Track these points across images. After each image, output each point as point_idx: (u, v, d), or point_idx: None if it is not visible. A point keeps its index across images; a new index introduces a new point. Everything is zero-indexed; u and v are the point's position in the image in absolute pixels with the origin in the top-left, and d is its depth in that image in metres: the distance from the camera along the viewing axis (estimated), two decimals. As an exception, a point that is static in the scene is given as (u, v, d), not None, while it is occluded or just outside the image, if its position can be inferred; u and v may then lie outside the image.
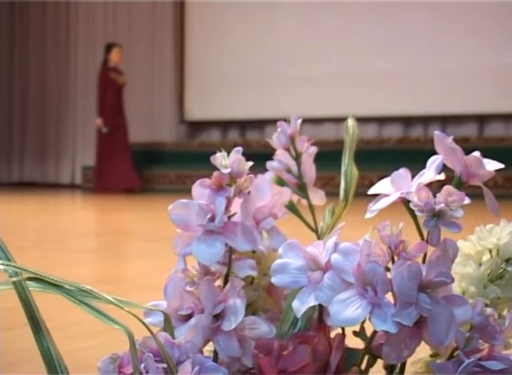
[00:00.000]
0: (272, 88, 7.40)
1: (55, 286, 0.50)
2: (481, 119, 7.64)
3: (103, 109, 8.01)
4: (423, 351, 0.63)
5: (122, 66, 9.48)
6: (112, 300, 0.51)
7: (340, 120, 6.81)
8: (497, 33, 7.41)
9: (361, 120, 7.62)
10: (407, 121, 7.96)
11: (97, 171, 8.04)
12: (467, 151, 0.61)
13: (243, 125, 8.83)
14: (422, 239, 0.58)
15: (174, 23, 9.30)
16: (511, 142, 7.01)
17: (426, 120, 7.84)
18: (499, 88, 7.35)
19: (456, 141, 0.61)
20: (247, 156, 0.61)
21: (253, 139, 8.33)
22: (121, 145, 7.99)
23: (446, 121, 7.73)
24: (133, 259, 2.58)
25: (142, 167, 8.46)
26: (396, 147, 7.49)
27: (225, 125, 8.95)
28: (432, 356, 0.66)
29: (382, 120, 8.00)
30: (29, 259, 2.47)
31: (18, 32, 10.38)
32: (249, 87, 8.18)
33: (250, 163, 0.63)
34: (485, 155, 0.61)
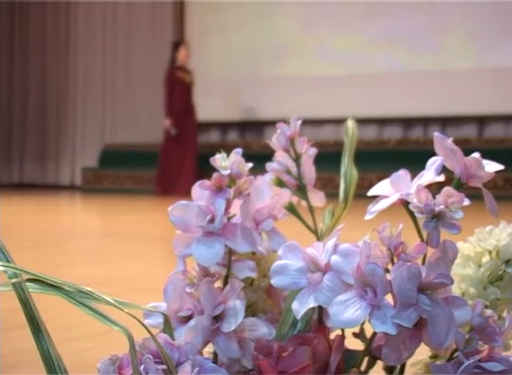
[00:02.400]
0: (272, 89, 7.39)
1: (55, 287, 0.50)
2: (481, 121, 7.64)
3: (171, 110, 7.69)
4: (423, 352, 0.63)
5: (121, 65, 9.50)
6: (112, 301, 0.51)
7: (340, 122, 6.81)
8: (497, 35, 7.41)
9: (361, 121, 7.62)
10: (407, 122, 7.96)
11: (162, 174, 7.71)
12: (467, 153, 0.61)
13: (243, 126, 8.83)
14: (422, 240, 0.58)
15: (173, 24, 9.29)
16: (511, 143, 7.01)
17: (426, 121, 7.84)
18: (499, 90, 7.35)
19: (455, 142, 0.61)
20: (247, 157, 0.61)
21: (252, 140, 8.33)
22: (190, 147, 7.68)
23: (445, 122, 7.73)
24: (133, 261, 2.58)
25: (142, 168, 8.46)
26: (395, 148, 7.49)
27: (224, 126, 8.95)
28: (431, 357, 0.66)
29: (382, 121, 8.00)
30: (29, 261, 2.47)
31: (18, 32, 10.39)
32: (248, 88, 8.18)
33: (250, 165, 0.63)
34: (485, 156, 0.61)
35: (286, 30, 8.27)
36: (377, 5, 7.87)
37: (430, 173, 0.59)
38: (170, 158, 7.60)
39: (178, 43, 7.88)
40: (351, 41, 8.04)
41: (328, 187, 6.78)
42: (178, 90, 7.68)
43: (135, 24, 9.54)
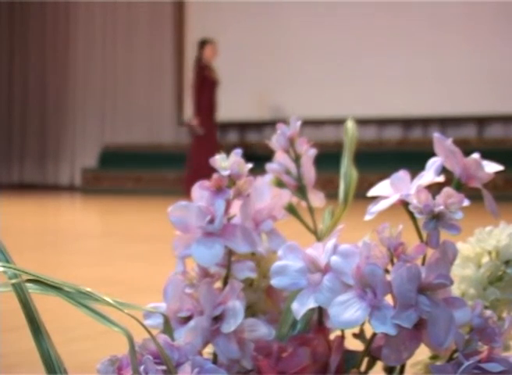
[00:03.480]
0: (272, 89, 7.40)
1: (55, 288, 0.50)
2: (481, 121, 7.64)
3: (200, 109, 7.46)
4: (422, 353, 0.63)
5: (121, 66, 9.50)
6: (111, 302, 0.51)
7: (340, 122, 6.82)
8: (496, 36, 7.42)
9: (361, 122, 7.64)
10: (407, 123, 7.96)
11: (193, 174, 7.29)
12: (467, 153, 0.61)
13: (243, 126, 8.83)
14: (422, 241, 0.58)
15: (173, 24, 9.30)
16: (510, 144, 7.01)
17: (426, 122, 7.84)
18: (498, 90, 7.35)
19: (455, 142, 0.61)
20: (247, 158, 0.61)
21: (252, 141, 8.33)
22: (217, 145, 7.36)
23: (445, 123, 7.73)
24: (133, 261, 2.58)
25: (141, 169, 8.46)
26: (395, 149, 7.49)
27: (224, 126, 8.95)
28: (431, 358, 0.66)
29: (382, 122, 8.00)
30: (28, 261, 2.47)
31: (18, 32, 10.39)
32: (248, 88, 8.19)
33: (250, 165, 0.63)
34: (485, 156, 0.61)
35: (286, 30, 8.27)
36: (376, 6, 7.87)
37: (430, 174, 0.59)
38: (200, 158, 7.16)
39: (204, 41, 7.65)
40: (351, 42, 8.05)
41: (329, 187, 6.79)
42: (206, 88, 7.47)
43: (135, 24, 9.54)
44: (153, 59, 9.40)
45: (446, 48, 7.60)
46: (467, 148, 0.63)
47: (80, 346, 1.25)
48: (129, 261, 2.57)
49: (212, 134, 7.50)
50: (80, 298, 0.51)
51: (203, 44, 7.66)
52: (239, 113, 8.55)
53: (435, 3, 7.63)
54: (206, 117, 7.47)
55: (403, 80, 7.81)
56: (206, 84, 7.48)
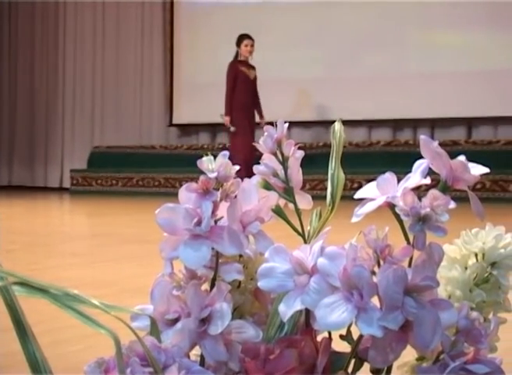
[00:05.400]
0: (261, 92, 7.38)
1: (41, 290, 0.50)
2: (470, 123, 7.66)
3: (231, 106, 7.22)
4: (409, 354, 0.64)
5: (110, 68, 9.47)
6: (98, 304, 0.51)
7: (329, 123, 6.83)
8: (486, 39, 7.44)
9: (351, 123, 7.65)
10: (397, 124, 7.98)
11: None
12: (456, 154, 0.61)
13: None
14: (408, 243, 0.58)
15: (163, 26, 9.29)
16: (499, 145, 7.04)
17: (415, 123, 7.86)
18: (488, 92, 7.38)
19: (445, 144, 0.61)
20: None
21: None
22: (251, 145, 7.28)
23: (435, 124, 7.75)
24: (122, 262, 2.58)
25: (130, 170, 8.45)
26: (385, 150, 7.50)
27: (214, 128, 8.95)
28: (418, 360, 0.66)
29: (372, 123, 8.01)
30: (17, 263, 2.47)
31: (6, 35, 10.36)
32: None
33: (237, 167, 0.63)
34: (474, 158, 0.61)
35: (276, 33, 8.27)
36: (367, 8, 7.88)
37: (416, 176, 0.60)
38: (236, 157, 6.55)
39: (241, 37, 7.40)
40: (340, 44, 8.05)
41: (319, 188, 6.80)
42: (240, 85, 7.23)
43: (124, 27, 9.53)
44: (142, 61, 9.39)
45: (436, 50, 7.62)
46: (456, 150, 0.63)
47: (67, 348, 1.25)
48: (118, 262, 2.57)
49: (246, 133, 7.12)
50: (66, 300, 0.51)
51: (240, 39, 7.38)
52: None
53: (425, 5, 7.65)
54: (240, 115, 7.18)
55: (393, 82, 7.82)
56: (240, 81, 7.22)
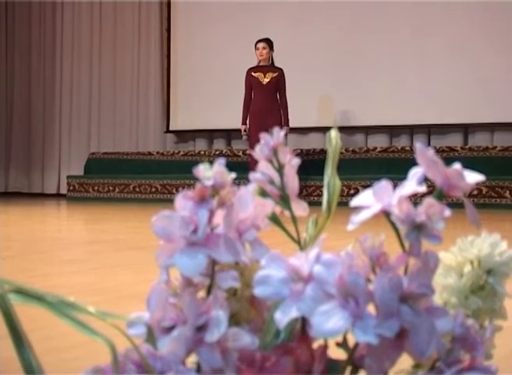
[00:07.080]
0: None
1: (37, 298, 0.50)
2: (466, 129, 7.68)
3: (246, 113, 7.15)
4: (405, 362, 0.64)
5: (107, 74, 9.46)
6: (94, 312, 0.51)
7: (326, 130, 6.84)
8: (482, 46, 7.46)
9: (348, 130, 7.66)
10: (393, 131, 7.99)
11: None
12: (452, 161, 0.61)
13: (229, 134, 8.83)
14: (404, 251, 0.58)
15: (160, 33, 9.30)
16: (496, 151, 7.05)
17: (412, 130, 7.87)
18: (484, 99, 7.39)
19: (441, 150, 0.61)
20: (233, 165, 0.61)
21: (239, 148, 8.33)
22: None
23: (431, 131, 7.76)
24: (119, 269, 2.57)
25: (127, 177, 8.45)
26: (382, 156, 7.51)
27: (211, 134, 8.95)
28: (413, 367, 0.66)
29: (368, 129, 8.02)
30: (14, 269, 2.46)
31: (3, 38, 10.36)
32: (235, 95, 8.18)
33: (233, 175, 0.63)
34: (470, 164, 0.61)
35: (274, 35, 8.29)
36: (363, 14, 7.90)
37: (411, 184, 0.60)
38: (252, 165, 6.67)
39: (259, 40, 7.30)
40: (337, 50, 8.07)
41: (317, 195, 6.80)
42: (254, 91, 7.15)
43: (121, 33, 9.54)
44: (139, 67, 9.40)
45: (433, 57, 7.64)
46: (452, 156, 0.64)
47: (63, 355, 1.25)
48: (115, 269, 2.57)
49: (258, 139, 7.01)
50: (62, 308, 0.51)
51: (256, 44, 7.31)
52: (225, 121, 8.54)
53: (421, 12, 7.67)
54: (252, 120, 7.05)
55: (390, 89, 7.84)
56: (253, 87, 7.16)
